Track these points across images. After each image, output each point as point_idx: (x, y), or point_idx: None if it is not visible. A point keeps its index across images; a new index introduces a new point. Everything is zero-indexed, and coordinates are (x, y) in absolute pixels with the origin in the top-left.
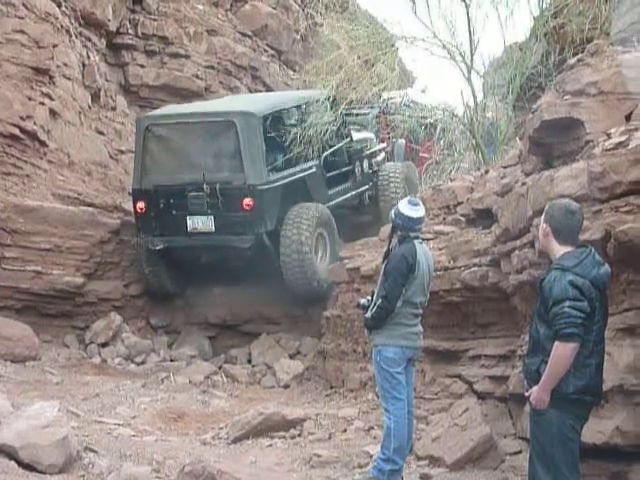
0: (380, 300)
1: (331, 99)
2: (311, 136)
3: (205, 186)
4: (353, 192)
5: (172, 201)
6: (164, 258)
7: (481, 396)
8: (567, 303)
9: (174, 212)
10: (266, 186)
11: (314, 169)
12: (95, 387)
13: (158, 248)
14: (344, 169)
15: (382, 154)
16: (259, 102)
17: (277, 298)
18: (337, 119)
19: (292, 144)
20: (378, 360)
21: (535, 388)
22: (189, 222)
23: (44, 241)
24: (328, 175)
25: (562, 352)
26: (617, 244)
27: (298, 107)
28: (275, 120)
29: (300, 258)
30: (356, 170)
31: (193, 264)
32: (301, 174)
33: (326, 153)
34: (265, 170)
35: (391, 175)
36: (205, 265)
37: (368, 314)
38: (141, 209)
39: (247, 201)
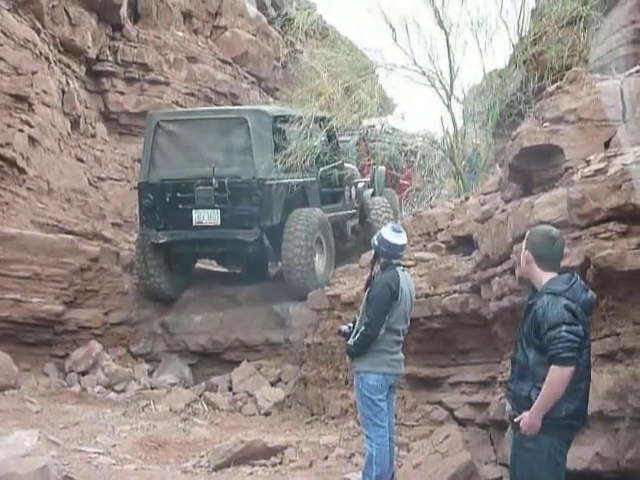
0: (363, 327)
1: (325, 119)
2: (309, 149)
3: (214, 180)
4: (342, 213)
5: (179, 195)
6: (166, 255)
7: (462, 423)
8: (564, 327)
9: (180, 206)
10: (274, 182)
11: (312, 179)
12: (75, 416)
13: (161, 242)
14: (335, 190)
15: (362, 184)
16: (268, 107)
17: (258, 325)
18: (329, 139)
19: (293, 152)
20: (360, 387)
21: (526, 414)
22: (195, 215)
23: (23, 269)
24: (322, 190)
25: (559, 376)
26: (597, 270)
27: (300, 118)
28: (282, 124)
29: (301, 258)
30: (345, 194)
31: (193, 262)
32: (302, 180)
33: (322, 169)
34: (273, 166)
35: (383, 208)
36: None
37: (350, 341)
38: (147, 203)
39: (255, 194)
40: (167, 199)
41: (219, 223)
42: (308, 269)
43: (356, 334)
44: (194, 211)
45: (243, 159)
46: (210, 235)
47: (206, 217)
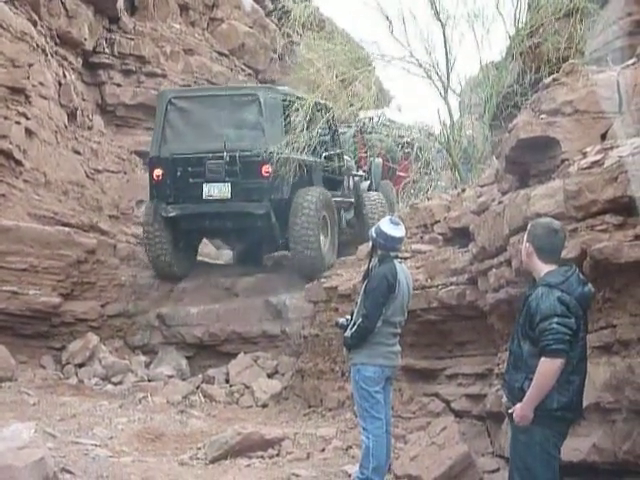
0: (361, 319)
1: (324, 108)
2: (313, 135)
3: (225, 154)
4: (341, 200)
5: (190, 169)
6: (173, 230)
7: (459, 414)
8: (555, 319)
9: (191, 180)
10: (285, 156)
11: (318, 160)
12: (72, 408)
13: (171, 215)
14: (336, 178)
15: (357, 177)
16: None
17: (255, 317)
18: (330, 127)
19: (299, 136)
20: (357, 379)
21: (519, 405)
22: (205, 189)
23: (20, 261)
24: (325, 176)
25: (549, 368)
26: (593, 262)
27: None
28: (290, 105)
29: (309, 230)
30: (344, 184)
31: (199, 240)
32: (310, 159)
33: (325, 154)
34: (284, 142)
35: (379, 203)
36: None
37: (347, 333)
38: (157, 177)
39: (266, 168)
40: (178, 173)
41: (229, 196)
42: (315, 242)
43: (353, 326)
44: (205, 184)
45: (254, 134)
46: (220, 208)
47: (216, 190)
